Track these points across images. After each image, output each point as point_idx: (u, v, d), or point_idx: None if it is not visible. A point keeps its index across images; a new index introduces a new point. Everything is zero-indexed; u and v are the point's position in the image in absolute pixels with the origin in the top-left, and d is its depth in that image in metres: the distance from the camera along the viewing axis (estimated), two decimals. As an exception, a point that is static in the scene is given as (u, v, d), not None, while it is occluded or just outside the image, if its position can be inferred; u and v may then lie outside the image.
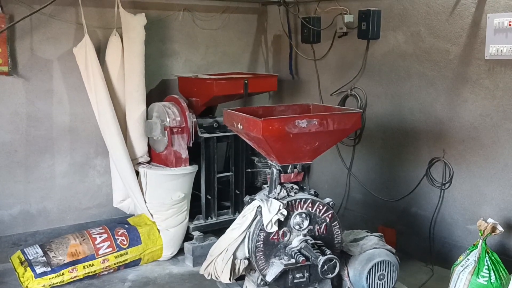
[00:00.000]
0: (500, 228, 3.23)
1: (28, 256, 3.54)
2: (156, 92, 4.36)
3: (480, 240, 3.24)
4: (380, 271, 2.94)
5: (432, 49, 3.80)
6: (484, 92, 3.53)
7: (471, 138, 3.64)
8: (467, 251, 3.32)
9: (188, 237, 4.04)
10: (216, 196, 4.11)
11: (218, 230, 3.81)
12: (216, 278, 2.97)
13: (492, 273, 3.18)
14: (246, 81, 4.05)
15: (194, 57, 4.60)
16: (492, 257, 3.23)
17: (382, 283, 2.95)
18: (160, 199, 3.92)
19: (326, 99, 4.57)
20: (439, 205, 3.85)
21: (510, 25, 3.29)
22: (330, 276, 2.70)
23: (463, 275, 3.23)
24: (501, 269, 3.23)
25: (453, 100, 3.71)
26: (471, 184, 3.67)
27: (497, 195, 3.53)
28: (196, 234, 3.99)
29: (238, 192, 4.20)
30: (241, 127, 2.86)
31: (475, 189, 3.65)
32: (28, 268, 3.46)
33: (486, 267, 3.20)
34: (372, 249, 3.00)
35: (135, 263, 3.82)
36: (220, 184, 4.16)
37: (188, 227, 4.04)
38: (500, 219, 3.35)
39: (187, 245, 3.97)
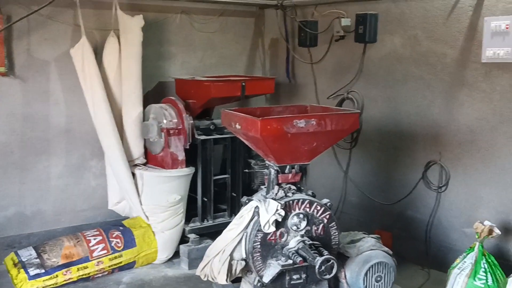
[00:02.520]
0: (497, 231, 3.23)
1: (22, 258, 3.50)
2: (153, 94, 4.35)
3: (477, 243, 3.24)
4: (377, 272, 2.93)
5: (429, 53, 3.81)
6: (481, 96, 3.54)
7: (467, 141, 3.64)
8: (464, 254, 3.32)
9: (183, 239, 4.01)
10: (213, 198, 4.09)
11: (214, 233, 3.78)
12: (213, 279, 2.95)
13: (489, 275, 3.18)
14: (243, 83, 4.05)
15: (191, 59, 4.60)
16: (489, 260, 3.23)
17: (379, 285, 2.94)
18: (156, 201, 3.89)
19: (323, 102, 4.57)
20: (435, 208, 3.85)
21: (507, 28, 3.31)
22: (327, 276, 2.68)
23: (460, 278, 3.23)
24: (498, 272, 3.22)
25: (450, 103, 3.72)
26: (468, 187, 3.67)
27: (494, 198, 3.53)
28: (192, 236, 3.96)
29: (234, 194, 4.18)
30: (239, 127, 2.86)
31: (471, 192, 3.65)
32: (22, 270, 3.43)
33: (483, 269, 3.19)
34: (369, 251, 2.99)
35: (129, 265, 3.79)
36: (216, 187, 4.14)
37: (184, 230, 4.02)
38: (497, 222, 3.35)
39: (182, 247, 3.95)
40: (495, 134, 3.49)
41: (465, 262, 3.27)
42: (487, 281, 3.17)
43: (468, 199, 3.67)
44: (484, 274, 3.18)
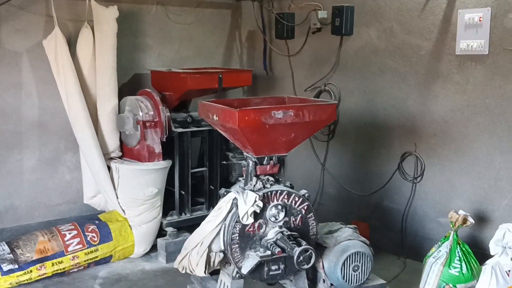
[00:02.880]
0: (471, 220, 3.28)
1: (-5, 253, 3.43)
2: (128, 87, 4.29)
3: (452, 232, 3.29)
4: (355, 262, 2.95)
5: (404, 45, 3.85)
6: (455, 87, 3.59)
7: (442, 132, 3.70)
8: (439, 243, 3.37)
9: (161, 233, 3.98)
10: (190, 191, 4.07)
11: (192, 226, 3.74)
12: (191, 271, 2.93)
13: (463, 264, 3.24)
14: (220, 76, 4.03)
15: (167, 51, 4.55)
16: (464, 248, 3.29)
17: (357, 274, 2.97)
18: (132, 194, 3.85)
19: (300, 94, 4.58)
20: (411, 199, 3.90)
21: (480, 20, 3.36)
22: (306, 266, 2.69)
23: (435, 266, 3.28)
24: (472, 260, 3.28)
25: (425, 95, 3.77)
26: (442, 178, 3.72)
27: (467, 188, 3.59)
28: (169, 230, 3.93)
29: (212, 187, 4.16)
30: (217, 118, 2.84)
31: (446, 182, 3.71)
32: (-5, 266, 3.36)
33: (458, 258, 3.25)
34: (347, 241, 3.01)
35: (106, 260, 3.74)
36: (194, 180, 4.11)
37: (161, 223, 3.98)
38: (470, 211, 3.41)
39: (160, 241, 3.91)
40: (468, 125, 3.55)
41: (440, 251, 3.32)
42: (461, 269, 3.23)
43: (442, 189, 3.73)
44: (458, 262, 3.24)
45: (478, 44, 3.41)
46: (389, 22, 3.92)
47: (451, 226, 3.29)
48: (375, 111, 4.10)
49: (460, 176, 3.62)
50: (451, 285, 3.23)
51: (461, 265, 3.24)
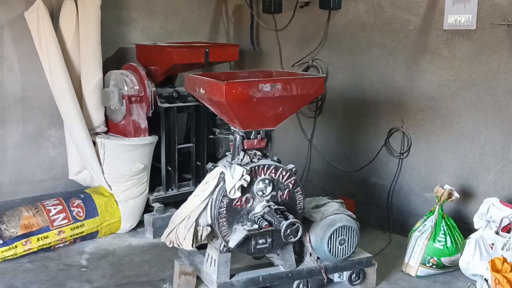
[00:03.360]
0: (456, 194, 3.32)
1: (-21, 228, 3.39)
2: (113, 61, 4.21)
3: (437, 206, 3.33)
4: (341, 236, 2.97)
5: (392, 20, 3.83)
6: (443, 62, 3.59)
7: (429, 108, 3.70)
8: (424, 217, 3.41)
9: (148, 209, 3.96)
10: (177, 167, 4.04)
11: (179, 202, 3.69)
12: (178, 245, 2.92)
13: (448, 237, 3.29)
14: (207, 50, 3.97)
15: (152, 25, 4.46)
16: (448, 223, 3.33)
17: (343, 248, 2.98)
18: (118, 170, 3.81)
19: (287, 70, 4.53)
20: (397, 175, 3.92)
21: (468, -5, 3.34)
22: (293, 239, 2.70)
23: (420, 240, 3.32)
24: (457, 233, 3.33)
25: (412, 70, 3.76)
26: (429, 153, 3.74)
27: (453, 163, 3.62)
28: (156, 205, 3.92)
29: (199, 163, 4.14)
30: (203, 91, 2.80)
31: (432, 158, 3.73)
32: (-21, 241, 3.32)
33: (443, 232, 3.30)
34: (333, 215, 3.02)
35: (92, 235, 3.72)
36: (180, 156, 4.08)
37: (148, 199, 3.96)
38: (456, 187, 3.44)
39: (147, 216, 3.90)
40: (455, 100, 3.56)
41: (425, 225, 3.36)
42: (446, 243, 3.28)
43: (428, 165, 3.75)
44: (443, 236, 3.29)
45: (465, 19, 3.40)
46: (377, -4, 3.89)
47: (437, 200, 3.33)
48: (362, 87, 4.09)
49: (446, 151, 3.64)
50: (435, 258, 3.28)
51: (445, 238, 3.29)
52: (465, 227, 3.41)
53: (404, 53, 3.79)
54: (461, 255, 3.26)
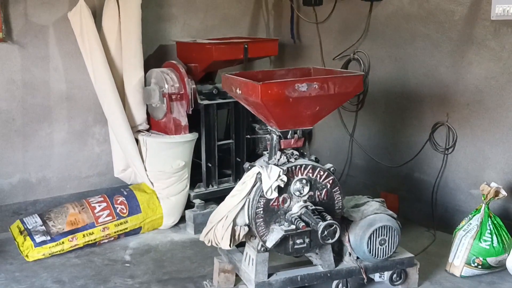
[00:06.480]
0: (503, 192, 3.19)
1: (28, 225, 3.53)
2: (154, 58, 4.27)
3: (483, 205, 3.22)
4: (381, 236, 2.91)
5: (436, 10, 3.68)
6: (490, 54, 3.43)
7: (475, 101, 3.56)
8: (470, 216, 3.30)
9: (189, 205, 4.02)
10: (217, 164, 4.07)
11: (219, 198, 3.74)
12: (216, 244, 2.95)
13: (494, 237, 3.17)
14: (246, 46, 3.95)
15: (192, 21, 4.48)
16: (495, 221, 3.21)
17: (383, 248, 2.93)
18: (160, 167, 3.88)
19: (328, 63, 4.47)
20: (442, 170, 3.80)
21: (518, -17, 3.17)
22: (330, 241, 2.67)
23: (465, 240, 3.22)
24: (504, 233, 3.21)
25: (458, 62, 3.62)
26: (475, 148, 3.61)
27: (501, 159, 3.47)
28: (197, 202, 3.96)
29: (239, 159, 4.15)
30: (240, 92, 2.79)
31: (478, 153, 3.59)
32: (28, 237, 3.46)
33: (489, 231, 3.18)
34: (373, 215, 2.96)
35: (135, 231, 3.81)
36: (220, 152, 4.11)
37: (189, 195, 4.01)
38: (503, 183, 3.31)
39: (188, 213, 3.96)
40: (503, 94, 3.40)
41: (470, 223, 3.25)
42: (492, 243, 3.16)
43: (475, 160, 3.62)
44: (489, 235, 3.17)
45: (515, 9, 3.22)
46: (421, -14, 3.75)
47: (483, 198, 3.21)
48: (406, 80, 3.97)
49: (494, 146, 3.50)
50: (481, 258, 3.17)
51: (492, 238, 3.17)
52: (513, 226, 3.27)
53: (450, 45, 3.65)
54: (508, 255, 3.14)
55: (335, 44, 4.44)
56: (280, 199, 2.78)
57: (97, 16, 3.89)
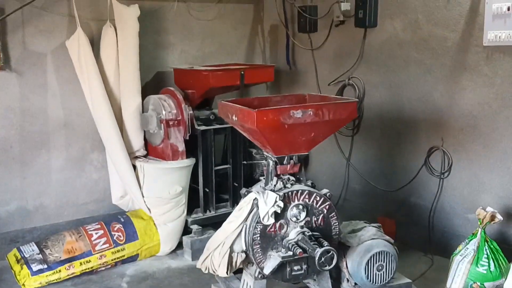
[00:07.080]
0: (499, 217, 3.19)
1: (24, 253, 3.52)
2: (151, 85, 4.32)
3: (479, 229, 3.21)
4: (379, 261, 2.91)
5: (430, 37, 3.75)
6: (483, 80, 3.48)
7: (470, 126, 3.59)
8: (466, 240, 3.29)
9: (186, 230, 4.01)
10: (214, 189, 4.08)
11: (217, 223, 3.75)
12: (214, 272, 2.94)
13: (491, 261, 3.16)
14: (242, 72, 4.01)
15: (189, 48, 4.54)
16: (492, 246, 3.21)
17: (381, 274, 2.93)
18: (157, 193, 3.88)
19: (324, 89, 4.52)
20: (438, 195, 3.81)
21: (508, 10, 3.23)
22: (327, 268, 2.67)
23: (462, 264, 3.21)
24: (501, 257, 3.20)
25: (452, 88, 3.67)
26: (470, 173, 3.63)
27: (496, 184, 3.49)
28: (194, 227, 3.96)
29: (236, 184, 4.17)
30: (236, 118, 2.82)
31: (474, 177, 3.61)
32: (24, 266, 3.44)
33: (486, 256, 3.17)
34: (370, 240, 2.96)
35: (132, 258, 3.80)
36: (218, 177, 4.12)
37: (186, 221, 4.01)
38: (499, 208, 3.32)
39: (185, 239, 3.95)
40: (497, 119, 3.44)
41: (467, 248, 3.25)
42: (489, 267, 3.15)
43: (470, 185, 3.64)
44: (486, 260, 3.17)
45: (506, 35, 3.28)
46: (414, 13, 3.82)
47: (479, 223, 3.21)
48: (400, 105, 4.01)
49: (489, 171, 3.52)
50: (478, 284, 3.16)
51: (489, 263, 3.16)
52: (509, 250, 3.27)
53: (443, 71, 3.70)
54: (505, 279, 3.12)
55: (330, 70, 4.50)
56: (277, 225, 2.79)
57: (95, 43, 3.94)
